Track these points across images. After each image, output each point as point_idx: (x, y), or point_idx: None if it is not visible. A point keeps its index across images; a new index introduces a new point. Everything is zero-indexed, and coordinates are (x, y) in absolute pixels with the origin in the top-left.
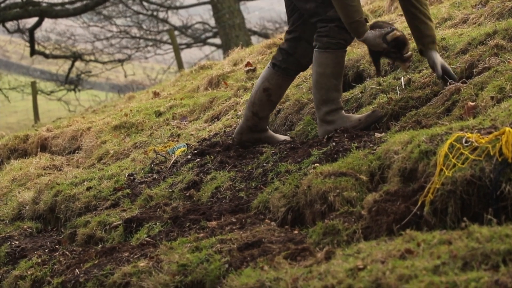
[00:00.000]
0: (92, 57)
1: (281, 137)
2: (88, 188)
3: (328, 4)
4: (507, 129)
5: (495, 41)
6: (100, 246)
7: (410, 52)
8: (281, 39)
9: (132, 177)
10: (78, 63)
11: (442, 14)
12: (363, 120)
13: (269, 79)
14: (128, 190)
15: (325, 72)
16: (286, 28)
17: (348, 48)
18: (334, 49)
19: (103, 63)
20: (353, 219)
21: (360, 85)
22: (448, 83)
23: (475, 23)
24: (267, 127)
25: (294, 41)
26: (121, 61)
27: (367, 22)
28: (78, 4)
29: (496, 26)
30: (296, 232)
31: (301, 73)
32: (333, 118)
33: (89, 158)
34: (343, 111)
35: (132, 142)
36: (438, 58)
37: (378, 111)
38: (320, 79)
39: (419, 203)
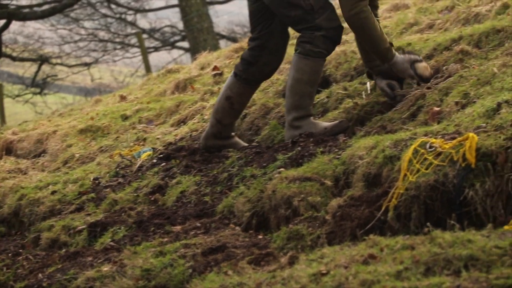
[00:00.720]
0: (59, 60)
1: (246, 145)
2: (53, 192)
3: (317, 11)
4: (471, 134)
5: (460, 46)
6: (64, 250)
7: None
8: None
9: (97, 181)
10: (45, 66)
11: (408, 19)
12: (329, 129)
13: (231, 88)
14: (93, 194)
15: (302, 78)
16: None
17: None
18: (314, 57)
19: (70, 66)
20: (317, 224)
21: (326, 90)
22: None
23: (441, 28)
24: (233, 133)
25: (257, 50)
26: (87, 65)
27: (392, 46)
28: (46, 7)
29: (461, 32)
30: (260, 237)
31: None
32: (301, 124)
33: (55, 162)
34: (312, 118)
35: (98, 146)
36: (383, 81)
37: (345, 122)
38: (295, 84)
39: (383, 208)
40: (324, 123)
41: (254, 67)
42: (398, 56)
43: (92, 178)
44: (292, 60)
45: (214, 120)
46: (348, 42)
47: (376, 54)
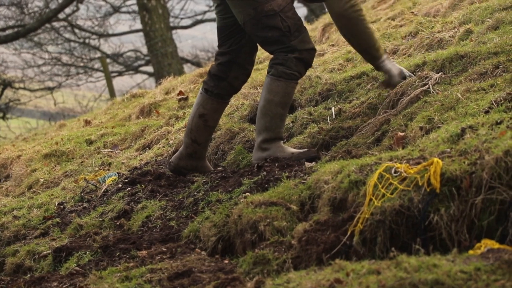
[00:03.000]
0: (22, 85)
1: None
2: (17, 217)
3: (293, 33)
4: (435, 159)
5: (424, 72)
6: (28, 275)
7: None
8: None
9: (62, 206)
10: (7, 90)
11: None
12: (295, 155)
13: (203, 105)
14: (58, 219)
15: (274, 99)
16: None
17: None
18: (287, 79)
19: (33, 90)
20: (283, 249)
21: (291, 114)
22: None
23: (405, 54)
24: (205, 156)
25: (226, 65)
26: (51, 89)
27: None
28: (9, 31)
29: (425, 57)
30: (226, 261)
31: (232, 102)
32: (269, 146)
33: (19, 187)
34: (282, 142)
35: (62, 171)
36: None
37: (313, 151)
38: (267, 106)
39: (349, 233)
40: (292, 148)
41: (225, 81)
42: (387, 59)
43: (57, 203)
44: (265, 82)
45: (189, 140)
46: (313, 68)
47: (368, 51)
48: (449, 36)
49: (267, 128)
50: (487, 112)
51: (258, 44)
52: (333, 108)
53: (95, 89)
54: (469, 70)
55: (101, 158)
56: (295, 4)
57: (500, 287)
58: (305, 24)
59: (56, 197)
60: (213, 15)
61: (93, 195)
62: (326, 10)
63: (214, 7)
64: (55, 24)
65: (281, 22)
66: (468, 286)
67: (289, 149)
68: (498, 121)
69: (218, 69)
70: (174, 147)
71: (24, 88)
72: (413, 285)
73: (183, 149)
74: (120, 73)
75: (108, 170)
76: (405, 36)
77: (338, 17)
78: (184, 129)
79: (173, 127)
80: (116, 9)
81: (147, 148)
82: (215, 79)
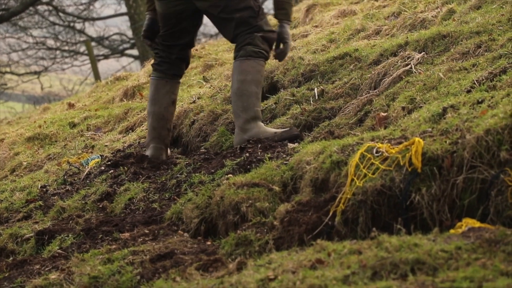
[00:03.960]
0: (8, 69)
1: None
2: (0, 200)
3: (260, 15)
4: (417, 139)
5: (406, 52)
6: (11, 258)
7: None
8: (196, 50)
9: (45, 189)
10: None
11: (355, 25)
12: (278, 134)
13: (174, 91)
14: (40, 202)
15: (246, 79)
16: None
17: None
18: (255, 57)
19: (19, 75)
20: (265, 230)
21: (274, 96)
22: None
23: (388, 34)
24: None
25: (184, 48)
26: (37, 73)
27: None
28: None
29: (408, 38)
30: (209, 243)
31: (215, 84)
32: (250, 126)
33: (2, 170)
34: (261, 122)
35: (45, 154)
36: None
37: (295, 129)
38: (241, 86)
39: (331, 213)
40: (273, 129)
41: (184, 63)
42: None
43: (39, 186)
44: (234, 67)
45: (165, 132)
46: (296, 49)
47: (291, 5)
48: (432, 16)
49: (245, 108)
50: (469, 91)
51: (220, 29)
52: (316, 89)
53: (81, 72)
54: (451, 50)
55: (84, 141)
56: None
57: (481, 266)
58: None
59: (39, 180)
60: None
61: (76, 178)
62: None
63: None
64: (40, 8)
65: (253, 2)
66: (449, 265)
67: (271, 129)
68: (480, 100)
69: (179, 53)
70: None
71: (11, 73)
72: (394, 265)
73: (161, 142)
74: (105, 57)
75: (91, 152)
76: (388, 17)
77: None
78: None
79: None
80: None
81: (130, 131)
82: (179, 62)
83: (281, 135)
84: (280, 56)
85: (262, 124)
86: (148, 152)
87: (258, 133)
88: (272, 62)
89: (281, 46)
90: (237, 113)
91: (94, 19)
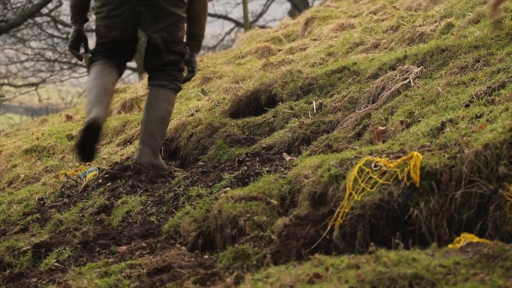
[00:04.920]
0: (6, 81)
1: None
2: None
3: (183, 60)
4: (415, 153)
5: (405, 66)
6: (8, 271)
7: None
8: None
9: (42, 202)
10: None
11: (354, 39)
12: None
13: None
14: (38, 215)
15: (170, 111)
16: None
17: (261, 72)
18: (175, 93)
19: (17, 86)
20: (263, 244)
21: (272, 109)
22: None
23: (386, 48)
24: None
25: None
26: (35, 85)
27: None
28: None
29: (406, 51)
30: (206, 256)
31: (213, 96)
32: (159, 155)
33: None
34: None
35: (43, 166)
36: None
37: (167, 169)
38: (166, 116)
39: (329, 227)
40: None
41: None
42: None
43: (37, 199)
44: (162, 95)
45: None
46: (294, 62)
47: (202, 38)
48: (430, 30)
49: (162, 137)
50: (467, 105)
51: (149, 53)
52: (314, 102)
53: (79, 84)
54: (450, 64)
55: None
56: None
57: (479, 281)
58: (288, 19)
59: (36, 193)
60: None
61: (73, 191)
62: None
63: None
64: (38, 19)
65: (183, 49)
66: (447, 280)
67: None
68: (478, 114)
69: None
70: None
71: (9, 84)
72: (392, 280)
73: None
74: None
75: (89, 165)
76: (387, 30)
77: None
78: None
79: None
80: None
81: (128, 143)
82: (119, 58)
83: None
84: (185, 81)
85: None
86: (92, 115)
87: (163, 165)
88: (270, 75)
89: (187, 73)
90: (155, 137)
91: (92, 31)
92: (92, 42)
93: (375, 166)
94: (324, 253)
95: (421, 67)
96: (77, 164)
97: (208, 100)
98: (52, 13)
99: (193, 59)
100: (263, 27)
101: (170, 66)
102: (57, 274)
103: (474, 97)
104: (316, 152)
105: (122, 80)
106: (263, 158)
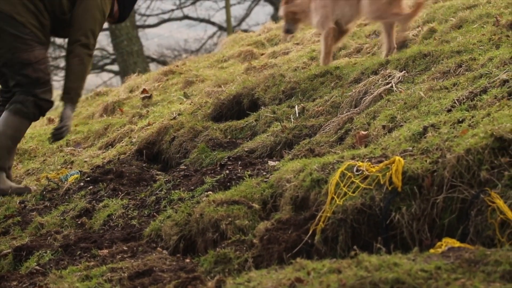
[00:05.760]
0: None
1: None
2: None
3: (39, 85)
4: (397, 158)
5: (387, 70)
6: None
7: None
8: (177, 66)
9: (23, 204)
10: None
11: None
12: (13, 189)
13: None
14: (19, 218)
15: (7, 132)
16: (184, 55)
17: (244, 76)
18: (22, 117)
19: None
20: (244, 248)
21: (254, 113)
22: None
23: (369, 52)
24: None
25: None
26: None
27: None
28: None
29: (389, 56)
30: (188, 260)
31: (195, 100)
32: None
33: None
34: (4, 173)
35: (24, 169)
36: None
37: (28, 189)
38: (0, 137)
39: (310, 232)
40: (11, 183)
41: None
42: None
43: (18, 202)
44: (2, 116)
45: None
46: (277, 66)
47: (80, 91)
48: (413, 35)
49: None
50: (449, 110)
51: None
52: (296, 106)
53: (61, 88)
54: (432, 69)
55: (63, 156)
56: (261, 2)
57: (461, 286)
58: (271, 23)
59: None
60: (179, 13)
61: (54, 194)
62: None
63: None
64: None
65: (32, 73)
66: (428, 285)
67: (9, 182)
68: (460, 119)
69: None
70: (137, 146)
71: None
72: (373, 284)
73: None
74: None
75: (71, 168)
76: (369, 35)
77: None
78: (148, 127)
79: (136, 125)
80: None
81: (110, 147)
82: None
83: (15, 190)
84: (55, 135)
85: (4, 175)
86: None
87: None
88: (253, 79)
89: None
90: None
91: None
92: None
93: (357, 170)
94: (306, 257)
95: (404, 72)
96: (59, 167)
97: (190, 104)
98: None
99: (65, 111)
100: (246, 31)
101: (16, 87)
102: (38, 278)
103: (456, 102)
104: (298, 156)
105: (104, 83)
106: (245, 162)
